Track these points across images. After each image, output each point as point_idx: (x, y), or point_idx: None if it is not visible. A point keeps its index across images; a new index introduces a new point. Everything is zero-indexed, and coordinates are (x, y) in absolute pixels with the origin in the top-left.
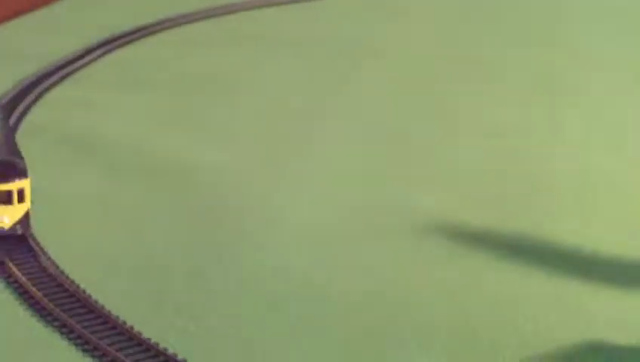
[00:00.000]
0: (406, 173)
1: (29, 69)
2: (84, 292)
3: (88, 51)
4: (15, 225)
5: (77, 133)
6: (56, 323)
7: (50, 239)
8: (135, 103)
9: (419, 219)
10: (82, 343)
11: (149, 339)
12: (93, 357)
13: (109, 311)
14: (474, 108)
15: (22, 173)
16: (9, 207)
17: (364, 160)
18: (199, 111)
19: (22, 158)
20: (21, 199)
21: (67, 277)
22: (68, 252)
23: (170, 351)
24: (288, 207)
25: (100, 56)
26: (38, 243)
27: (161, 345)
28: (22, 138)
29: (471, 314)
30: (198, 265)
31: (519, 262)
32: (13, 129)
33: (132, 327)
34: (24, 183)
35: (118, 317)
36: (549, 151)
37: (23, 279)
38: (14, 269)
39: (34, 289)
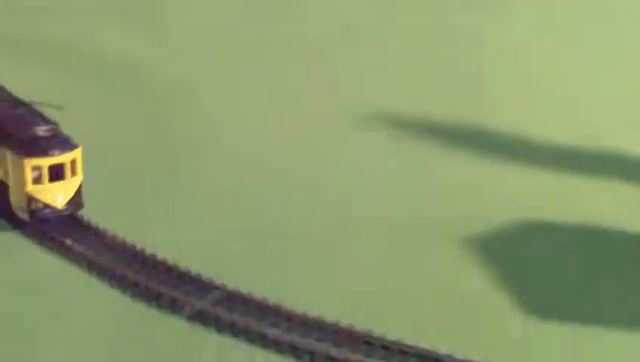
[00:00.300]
0: (356, 71)
1: None
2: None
3: None
4: (69, 203)
5: (22, 35)
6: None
7: None
8: (82, 4)
9: (368, 115)
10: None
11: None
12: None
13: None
14: (424, 14)
15: (71, 142)
16: (62, 183)
17: (311, 60)
18: (146, 10)
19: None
20: (74, 172)
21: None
22: None
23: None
24: (233, 109)
25: None
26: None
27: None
28: None
29: (414, 200)
30: (149, 166)
31: (461, 152)
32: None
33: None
34: (76, 153)
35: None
36: (491, 53)
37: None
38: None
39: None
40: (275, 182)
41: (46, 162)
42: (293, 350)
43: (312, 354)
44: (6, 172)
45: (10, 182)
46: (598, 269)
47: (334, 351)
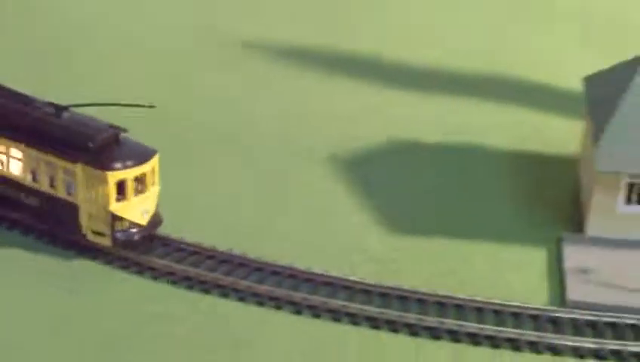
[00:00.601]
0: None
1: None
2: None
3: None
4: (152, 217)
5: None
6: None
7: None
8: None
9: (237, 43)
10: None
11: None
12: None
13: None
14: None
15: (149, 147)
16: (145, 196)
17: None
18: None
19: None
20: (154, 181)
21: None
22: None
23: None
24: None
25: None
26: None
27: None
28: None
29: (290, 123)
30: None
31: (330, 75)
32: None
33: None
34: (156, 159)
35: None
36: None
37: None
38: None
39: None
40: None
41: (131, 174)
42: (137, 265)
43: (153, 269)
44: (69, 190)
45: (81, 202)
46: (458, 186)
47: (192, 271)
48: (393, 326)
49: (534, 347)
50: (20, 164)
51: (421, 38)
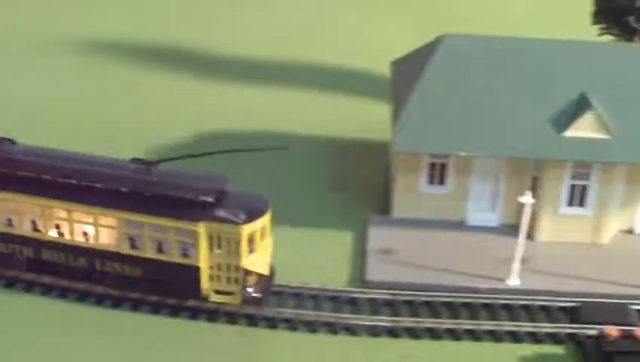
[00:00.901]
0: None
1: None
2: None
3: None
4: (271, 270)
5: None
6: None
7: None
8: None
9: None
10: None
11: None
12: None
13: None
14: None
15: (259, 194)
16: (265, 244)
17: None
18: None
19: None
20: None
21: None
22: None
23: None
24: None
25: None
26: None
27: None
28: None
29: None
30: None
31: (141, 67)
32: None
33: None
34: (269, 211)
35: None
36: None
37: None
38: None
39: None
40: None
41: (258, 225)
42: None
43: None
44: (185, 251)
45: (203, 262)
46: (270, 171)
47: None
48: (193, 313)
49: (331, 328)
50: (114, 232)
51: (243, 26)
